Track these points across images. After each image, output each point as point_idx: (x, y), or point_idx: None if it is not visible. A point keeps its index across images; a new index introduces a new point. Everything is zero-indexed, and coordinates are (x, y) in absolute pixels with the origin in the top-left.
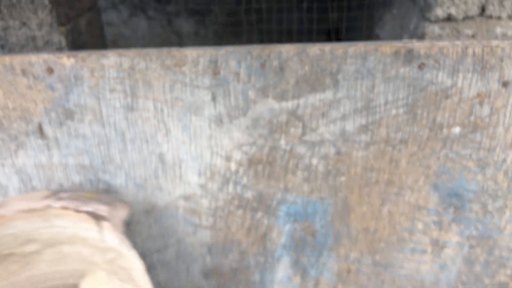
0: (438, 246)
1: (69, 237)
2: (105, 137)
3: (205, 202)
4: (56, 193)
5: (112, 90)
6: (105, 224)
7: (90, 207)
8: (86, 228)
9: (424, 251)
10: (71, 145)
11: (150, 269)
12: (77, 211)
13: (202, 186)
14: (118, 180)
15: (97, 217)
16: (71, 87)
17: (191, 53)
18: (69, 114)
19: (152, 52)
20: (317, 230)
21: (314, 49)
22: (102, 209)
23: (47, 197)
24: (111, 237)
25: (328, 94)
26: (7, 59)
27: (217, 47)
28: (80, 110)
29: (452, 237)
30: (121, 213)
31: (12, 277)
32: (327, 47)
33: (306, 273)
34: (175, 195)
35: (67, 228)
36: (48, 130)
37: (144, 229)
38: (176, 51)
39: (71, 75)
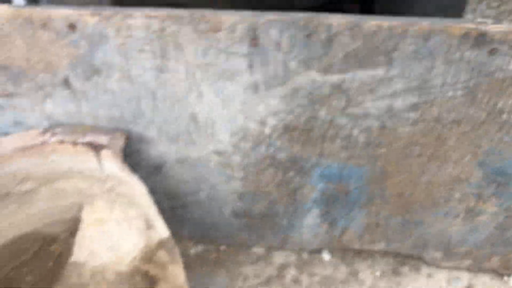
0: (472, 213)
1: (65, 172)
2: (135, 94)
3: (237, 159)
4: (51, 129)
5: (140, 51)
6: (105, 153)
7: (88, 138)
8: (83, 160)
9: (457, 216)
10: (99, 98)
11: (184, 206)
12: (75, 144)
13: (234, 145)
14: (151, 133)
15: (96, 147)
16: (96, 44)
17: (227, 19)
18: (95, 70)
19: (184, 15)
20: (351, 190)
21: (370, 25)
22: (101, 139)
23: (43, 133)
24: (111, 166)
25: (380, 72)
26: (26, 11)
27: (257, 14)
28: (107, 67)
29: (490, 207)
30: (120, 141)
31: (11, 217)
32: (385, 23)
33: (335, 223)
34: (207, 150)
35: (63, 162)
36: (75, 83)
37: (178, 175)
38: (211, 16)
39: (96, 33)
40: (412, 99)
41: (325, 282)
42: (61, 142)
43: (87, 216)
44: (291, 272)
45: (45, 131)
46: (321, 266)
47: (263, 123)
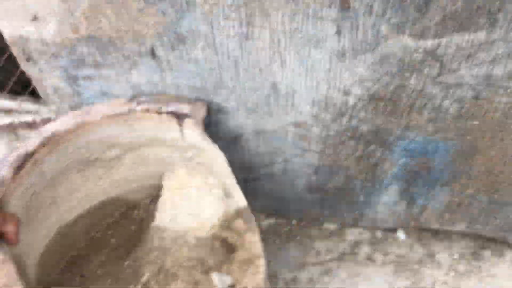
0: None
1: (149, 140)
2: (218, 63)
3: (316, 130)
4: (137, 98)
5: (226, 18)
6: (187, 121)
7: (172, 107)
8: (166, 129)
9: None
10: (183, 68)
11: (257, 179)
12: (159, 112)
13: (315, 116)
14: (230, 103)
15: (179, 116)
16: (183, 12)
17: None
18: (181, 39)
19: None
20: (434, 166)
21: None
22: (184, 108)
23: (129, 101)
24: (192, 134)
25: (480, 35)
26: None
27: None
28: (192, 36)
29: None
30: (202, 111)
31: (98, 182)
32: None
33: (413, 201)
34: (285, 121)
35: (148, 131)
36: (160, 52)
37: (253, 147)
38: None
39: (183, 1)
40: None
41: (399, 262)
42: (147, 110)
43: (168, 183)
44: (365, 250)
45: (131, 99)
46: (395, 245)
47: (347, 92)
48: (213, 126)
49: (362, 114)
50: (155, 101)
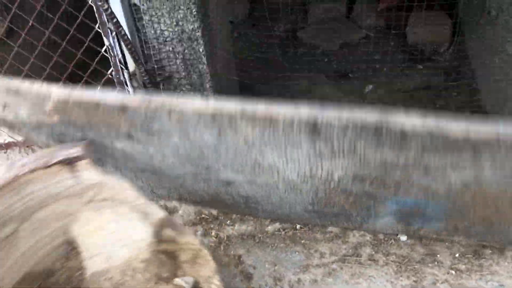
0: None
1: (42, 201)
2: (196, 146)
3: (305, 187)
4: (19, 161)
5: (196, 125)
6: (81, 164)
7: (60, 156)
8: (58, 181)
9: None
10: (163, 149)
11: (257, 203)
12: (47, 166)
13: (302, 181)
14: (217, 166)
15: (70, 162)
16: (151, 121)
17: (283, 114)
18: (155, 133)
19: (235, 110)
20: (427, 213)
21: (454, 132)
22: (74, 151)
23: (10, 168)
24: (89, 174)
25: (465, 162)
26: (75, 95)
27: (316, 109)
28: (166, 132)
29: None
30: (91, 149)
31: (5, 263)
32: (473, 129)
33: (410, 225)
34: (274, 179)
35: (39, 191)
36: (138, 137)
37: (248, 190)
38: (264, 110)
39: (147, 115)
40: (503, 174)
41: (401, 262)
42: (33, 170)
43: (80, 231)
44: (367, 251)
45: (12, 164)
46: (397, 246)
47: (331, 173)
48: (204, 175)
49: (349, 185)
50: (41, 156)
